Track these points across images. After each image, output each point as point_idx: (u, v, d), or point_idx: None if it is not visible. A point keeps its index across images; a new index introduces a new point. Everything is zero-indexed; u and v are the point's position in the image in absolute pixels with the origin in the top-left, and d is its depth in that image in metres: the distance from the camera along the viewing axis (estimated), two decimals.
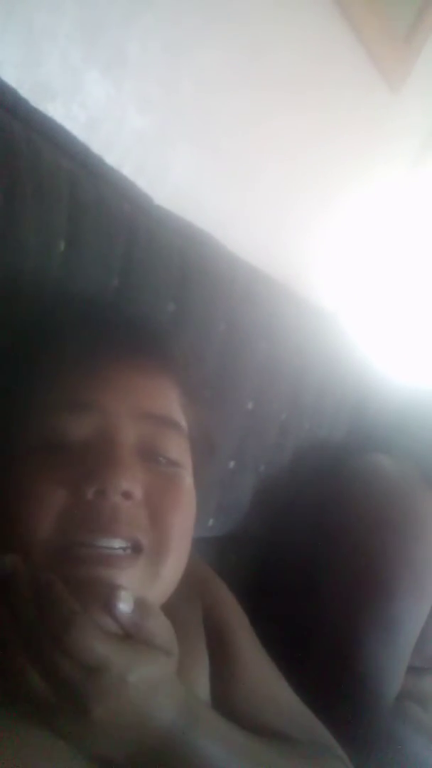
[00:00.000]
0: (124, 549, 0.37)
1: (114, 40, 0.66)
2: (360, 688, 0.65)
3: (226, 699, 0.47)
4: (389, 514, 0.75)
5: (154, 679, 0.34)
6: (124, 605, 0.34)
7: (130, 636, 0.34)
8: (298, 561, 0.77)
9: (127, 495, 0.38)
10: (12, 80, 0.51)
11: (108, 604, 0.33)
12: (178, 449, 0.43)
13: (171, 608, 0.39)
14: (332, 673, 0.66)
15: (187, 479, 0.43)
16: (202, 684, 0.47)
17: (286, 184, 0.94)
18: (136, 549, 0.38)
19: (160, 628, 0.35)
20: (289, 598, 0.74)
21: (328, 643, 0.69)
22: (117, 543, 0.37)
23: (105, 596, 0.34)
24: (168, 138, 0.76)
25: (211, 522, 0.68)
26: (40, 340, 0.42)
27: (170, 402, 0.44)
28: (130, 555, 0.38)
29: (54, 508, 0.37)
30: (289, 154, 0.91)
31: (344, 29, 0.88)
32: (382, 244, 1.13)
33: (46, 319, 0.44)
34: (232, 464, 0.69)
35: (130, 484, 0.38)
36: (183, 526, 0.41)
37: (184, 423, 0.44)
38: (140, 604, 0.35)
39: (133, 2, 0.66)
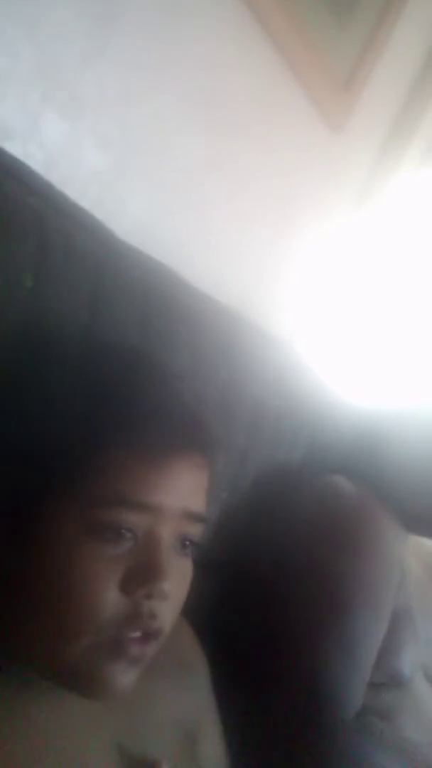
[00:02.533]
0: (149, 638, 0.42)
1: (71, 83, 0.68)
2: (321, 706, 0.66)
3: None
4: (345, 535, 0.77)
5: None
6: None
7: None
8: (260, 586, 0.77)
9: (165, 599, 0.42)
10: None
11: None
12: (199, 535, 0.47)
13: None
14: (294, 694, 0.67)
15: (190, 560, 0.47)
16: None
17: (239, 219, 0.98)
18: (156, 637, 0.43)
19: None
20: (253, 622, 0.75)
21: (289, 665, 0.70)
22: (151, 636, 0.42)
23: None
24: (125, 176, 0.78)
25: None
26: (100, 422, 0.42)
27: (204, 494, 0.47)
28: (153, 644, 0.43)
29: (109, 607, 0.40)
30: (240, 191, 0.95)
31: (288, 76, 0.94)
32: (331, 275, 1.18)
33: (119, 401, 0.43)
34: None
35: (170, 589, 0.42)
36: (179, 613, 0.46)
37: (206, 508, 0.47)
38: None
39: (90, 47, 0.68)
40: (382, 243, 1.19)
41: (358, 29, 0.99)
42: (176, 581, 0.43)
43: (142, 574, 0.41)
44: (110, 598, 0.40)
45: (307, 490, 0.84)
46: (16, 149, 0.65)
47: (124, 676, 0.41)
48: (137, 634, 0.41)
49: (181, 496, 0.43)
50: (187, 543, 0.45)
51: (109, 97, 0.72)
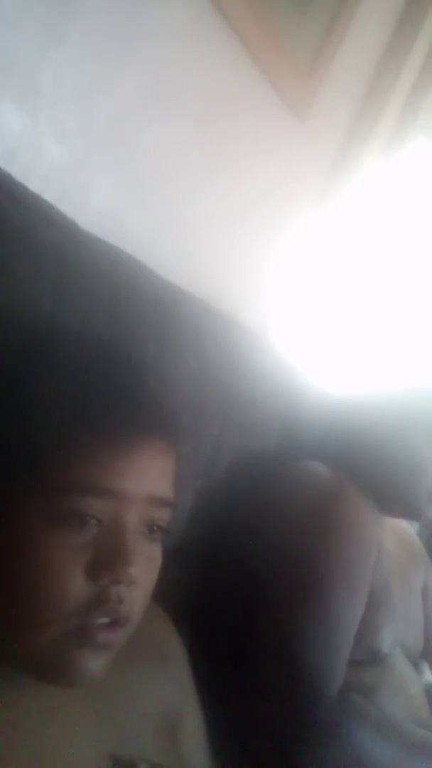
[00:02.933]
0: (116, 624, 0.42)
1: (27, 72, 0.67)
2: (303, 685, 0.67)
3: None
4: (320, 516, 0.78)
5: None
6: None
7: None
8: (237, 571, 0.78)
9: (133, 582, 0.42)
10: None
11: None
12: (167, 519, 0.46)
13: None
14: (275, 675, 0.68)
15: (160, 545, 0.47)
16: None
17: (206, 209, 0.98)
18: (124, 623, 0.43)
19: None
20: (231, 608, 0.76)
21: (269, 646, 0.71)
22: (120, 621, 0.42)
23: None
24: (88, 168, 0.78)
25: None
26: (63, 410, 0.42)
27: (170, 479, 0.47)
28: (122, 630, 0.43)
29: (75, 593, 0.40)
30: (207, 181, 0.95)
31: (250, 65, 0.94)
32: (301, 263, 1.19)
33: (75, 388, 0.43)
34: None
35: (136, 572, 0.42)
36: (149, 600, 0.46)
37: (173, 493, 0.47)
38: None
39: (46, 37, 0.67)
40: (350, 230, 1.20)
41: (317, 17, 0.99)
42: (144, 567, 0.43)
43: (108, 560, 0.41)
44: (76, 585, 0.40)
45: (282, 475, 0.85)
46: None
47: (93, 663, 0.41)
48: (105, 620, 0.41)
49: (145, 481, 0.44)
50: (155, 528, 0.45)
51: (68, 88, 0.71)
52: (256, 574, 0.77)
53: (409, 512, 0.92)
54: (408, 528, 1.11)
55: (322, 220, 1.18)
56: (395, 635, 0.83)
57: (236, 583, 0.78)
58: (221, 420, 0.78)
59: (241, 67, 0.92)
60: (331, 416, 0.94)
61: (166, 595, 0.64)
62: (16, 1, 0.63)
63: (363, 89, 1.19)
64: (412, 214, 1.32)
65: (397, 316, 1.27)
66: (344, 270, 1.23)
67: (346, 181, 1.19)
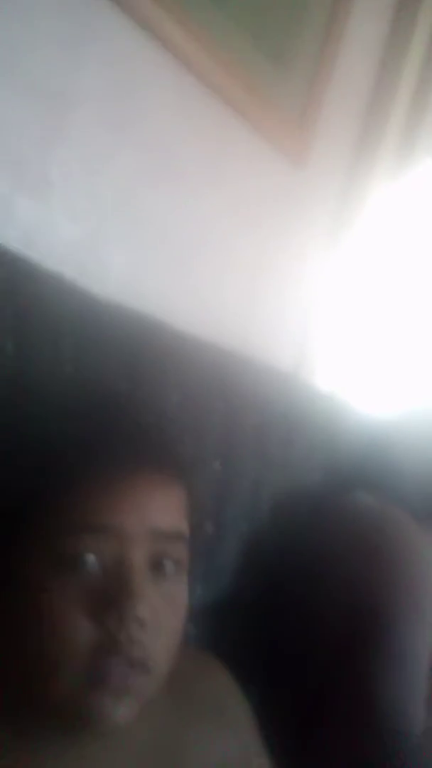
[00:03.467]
0: (134, 669, 0.40)
1: (36, 169, 0.75)
2: (384, 727, 0.64)
3: None
4: (375, 550, 0.76)
5: None
6: None
7: None
8: (297, 616, 0.76)
9: (141, 623, 0.40)
10: None
11: None
12: (181, 555, 0.45)
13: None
14: (354, 719, 0.65)
15: (184, 583, 0.46)
16: None
17: (219, 263, 1.02)
18: (144, 670, 0.41)
19: None
20: (296, 655, 0.74)
21: (343, 689, 0.68)
22: (133, 664, 0.40)
23: None
24: (101, 242, 0.84)
25: (199, 590, 0.68)
26: (54, 453, 0.42)
27: (179, 512, 0.46)
28: (139, 676, 0.41)
29: (80, 638, 0.39)
30: (215, 237, 1.00)
31: (241, 125, 0.99)
32: (322, 299, 1.21)
33: (57, 429, 0.44)
34: (210, 527, 0.71)
35: (144, 612, 0.40)
36: (176, 643, 0.44)
37: (186, 527, 0.46)
38: None
39: (47, 135, 0.75)
40: (366, 261, 1.22)
41: (299, 69, 1.05)
42: (160, 605, 0.42)
43: (111, 598, 0.40)
44: (81, 629, 0.39)
45: (329, 512, 0.84)
46: None
47: (113, 710, 0.40)
48: (119, 663, 0.40)
49: (146, 516, 0.42)
50: (168, 564, 0.43)
51: (74, 175, 0.78)
52: (318, 617, 0.75)
53: None
54: None
55: (337, 256, 1.20)
56: None
57: (297, 628, 0.76)
58: (256, 461, 0.78)
59: (233, 128, 0.98)
60: (372, 443, 0.93)
61: (226, 648, 0.64)
62: (18, 108, 0.71)
63: (358, 127, 1.24)
64: (427, 236, 1.32)
65: (425, 336, 1.26)
66: (367, 299, 1.24)
67: (356, 215, 1.22)
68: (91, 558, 0.40)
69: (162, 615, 0.42)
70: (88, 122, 0.79)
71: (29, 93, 0.72)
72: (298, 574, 0.80)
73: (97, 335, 0.63)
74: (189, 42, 0.87)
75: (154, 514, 0.43)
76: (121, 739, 0.44)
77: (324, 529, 0.82)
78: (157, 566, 0.43)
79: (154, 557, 0.43)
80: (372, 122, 1.23)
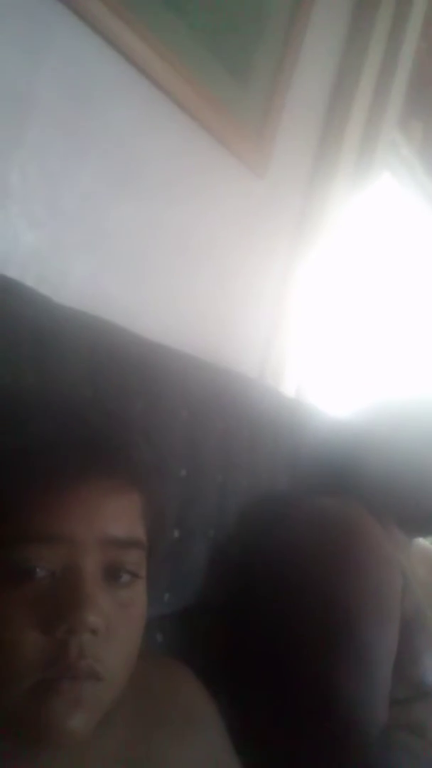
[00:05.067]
0: (84, 677, 0.39)
1: None
2: (343, 725, 0.64)
3: None
4: (339, 552, 0.77)
5: None
6: None
7: None
8: (262, 620, 0.76)
9: (93, 631, 0.39)
10: None
11: None
12: (138, 562, 0.44)
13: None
14: (313, 717, 0.65)
15: (142, 590, 0.45)
16: None
17: (183, 272, 1.03)
18: (97, 680, 0.40)
19: None
20: (261, 658, 0.74)
21: (304, 689, 0.68)
22: (80, 675, 0.39)
23: None
24: (62, 250, 0.83)
25: (166, 597, 0.68)
26: (3, 460, 0.41)
27: (134, 519, 0.45)
28: (90, 686, 0.40)
29: (29, 650, 0.38)
30: (178, 245, 1.00)
31: (203, 136, 1.01)
32: (287, 305, 1.22)
33: (9, 437, 0.42)
34: (176, 533, 0.70)
35: (96, 621, 0.39)
36: (134, 651, 0.43)
37: (143, 534, 0.46)
38: None
39: (7, 141, 0.75)
40: (324, 272, 1.24)
41: (258, 82, 1.08)
42: (114, 613, 0.41)
43: (61, 609, 0.39)
44: (29, 641, 0.38)
45: (295, 516, 0.84)
46: None
47: (66, 721, 0.39)
48: (70, 673, 0.39)
49: (97, 523, 0.41)
50: (123, 571, 0.43)
51: (34, 182, 0.78)
52: (282, 621, 0.75)
53: None
54: None
55: (300, 263, 1.22)
56: None
57: (262, 632, 0.76)
58: (222, 466, 0.79)
59: (194, 139, 1.00)
60: (335, 447, 0.94)
61: (195, 654, 0.64)
62: None
63: (317, 137, 1.26)
64: (387, 245, 1.36)
65: (384, 338, 1.29)
66: (329, 304, 1.26)
67: (317, 223, 1.24)
68: (41, 568, 0.40)
69: (117, 623, 0.41)
70: (48, 129, 0.79)
71: None
72: (264, 578, 0.80)
73: (59, 343, 0.62)
74: (149, 53, 0.88)
75: (106, 521, 0.42)
76: (86, 752, 0.43)
77: (290, 533, 0.82)
78: (111, 574, 0.42)
79: (107, 565, 0.42)
80: (330, 133, 1.26)
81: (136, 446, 0.48)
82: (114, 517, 0.43)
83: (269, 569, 0.80)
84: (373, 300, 1.32)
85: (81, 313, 0.70)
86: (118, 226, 0.90)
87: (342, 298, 1.29)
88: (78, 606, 0.39)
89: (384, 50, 1.31)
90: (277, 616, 0.76)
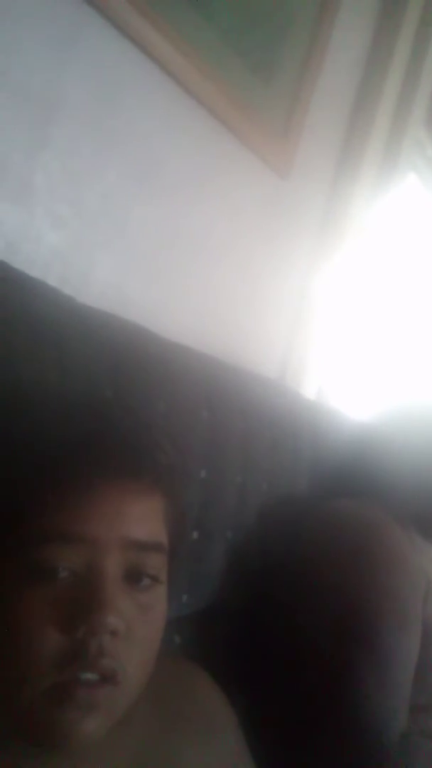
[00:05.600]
0: (102, 681, 0.39)
1: (20, 175, 0.74)
2: (361, 730, 0.63)
3: None
4: (360, 557, 0.76)
5: None
6: None
7: None
8: (282, 624, 0.76)
9: (113, 633, 0.39)
10: None
11: None
12: (159, 566, 0.44)
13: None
14: (331, 721, 0.65)
15: (162, 595, 0.45)
16: None
17: (206, 271, 1.03)
18: (114, 681, 0.40)
19: None
20: (279, 664, 0.73)
21: (321, 692, 0.67)
22: (98, 676, 0.39)
23: None
24: (85, 250, 0.84)
25: (185, 598, 0.68)
26: (28, 460, 0.41)
27: (156, 522, 0.45)
28: (106, 690, 0.40)
29: (48, 649, 0.38)
30: (201, 245, 1.00)
31: (227, 137, 1.00)
32: (307, 308, 1.22)
33: (33, 437, 0.43)
34: (195, 534, 0.70)
35: (116, 623, 0.39)
36: (153, 655, 0.43)
37: (165, 538, 0.46)
38: None
39: (32, 142, 0.75)
40: (347, 273, 1.23)
41: (283, 82, 1.07)
42: (134, 616, 0.41)
43: (81, 609, 0.39)
44: (49, 640, 0.38)
45: (315, 519, 0.84)
46: None
47: (81, 724, 0.39)
48: (90, 676, 0.39)
49: (120, 525, 0.41)
50: (144, 574, 0.42)
51: (58, 182, 0.78)
52: (301, 625, 0.75)
53: None
54: None
55: (323, 264, 1.21)
56: None
57: (281, 635, 0.76)
58: (242, 467, 0.78)
59: (217, 139, 0.99)
60: (356, 450, 0.93)
61: (212, 655, 0.64)
62: (2, 113, 0.71)
63: (342, 138, 1.25)
64: (412, 248, 1.34)
65: (407, 340, 1.27)
66: (352, 306, 1.25)
67: (341, 224, 1.23)
68: (62, 568, 0.40)
69: (136, 626, 0.41)
70: (73, 129, 0.79)
71: (12, 98, 0.72)
72: (283, 581, 0.79)
73: (81, 343, 0.62)
74: (175, 54, 0.88)
75: (129, 523, 0.42)
76: (101, 754, 0.43)
77: (309, 536, 0.82)
78: (132, 576, 0.42)
79: (129, 567, 0.42)
80: (355, 134, 1.25)
81: (160, 448, 0.47)
82: (137, 520, 0.43)
83: (288, 571, 0.80)
84: (395, 302, 1.30)
85: (103, 313, 0.70)
86: (140, 226, 0.90)
87: (364, 301, 1.27)
88: (98, 607, 0.39)
89: (411, 49, 1.29)
90: (296, 618, 0.75)
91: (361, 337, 1.27)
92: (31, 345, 0.57)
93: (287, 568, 0.79)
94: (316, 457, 0.93)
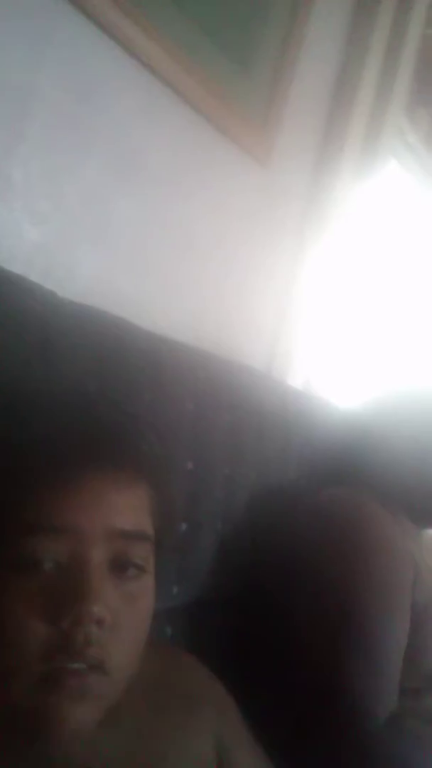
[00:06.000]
0: (90, 670, 0.40)
1: None
2: (349, 714, 0.64)
3: None
4: (348, 542, 0.77)
5: None
6: None
7: None
8: (271, 611, 0.76)
9: (99, 623, 0.40)
10: None
11: None
12: (145, 556, 0.44)
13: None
14: (319, 706, 0.66)
15: (149, 584, 0.45)
16: None
17: (190, 263, 1.02)
18: (102, 670, 0.40)
19: None
20: (267, 648, 0.74)
21: (310, 678, 0.68)
22: (86, 666, 0.39)
23: None
24: (67, 244, 0.83)
25: (175, 590, 0.68)
26: (12, 452, 0.41)
27: (141, 512, 0.45)
28: (95, 679, 0.40)
29: (33, 640, 0.39)
30: (184, 235, 1.00)
31: (206, 127, 1.00)
32: (292, 297, 1.22)
33: (17, 430, 0.43)
34: (184, 526, 0.70)
35: (101, 612, 0.39)
36: (140, 644, 0.43)
37: (151, 527, 0.46)
38: None
39: (9, 137, 0.74)
40: (330, 261, 1.23)
41: (261, 71, 1.06)
42: (120, 606, 0.41)
43: (67, 600, 0.39)
44: (35, 630, 0.38)
45: (303, 508, 0.84)
46: None
47: (70, 713, 0.39)
48: (77, 665, 0.39)
49: (104, 515, 0.41)
50: (130, 564, 0.43)
51: (36, 177, 0.78)
52: (290, 612, 0.76)
53: None
54: None
55: (306, 252, 1.21)
56: None
57: (270, 623, 0.77)
58: (229, 458, 0.78)
59: (197, 130, 0.99)
60: (344, 439, 0.93)
61: (204, 646, 0.64)
62: None
63: (321, 125, 1.25)
64: (394, 233, 1.34)
65: (392, 327, 1.28)
66: (336, 295, 1.25)
67: (323, 212, 1.23)
68: (47, 559, 0.40)
69: (123, 615, 0.41)
70: (50, 124, 0.78)
71: None
72: (273, 570, 0.80)
73: (64, 337, 0.62)
74: (151, 45, 0.87)
75: (112, 513, 0.42)
76: (93, 745, 0.44)
77: (298, 525, 0.82)
78: (118, 566, 0.42)
79: (114, 557, 0.42)
80: (336, 121, 1.25)
81: (144, 439, 0.47)
82: (121, 510, 0.43)
83: (277, 561, 0.80)
84: (379, 289, 1.31)
85: (86, 308, 0.70)
86: (122, 220, 0.90)
87: (349, 288, 1.28)
88: (83, 597, 0.39)
89: (389, 36, 1.29)
90: (285, 607, 0.76)
91: (346, 325, 1.27)
92: (14, 340, 0.57)
93: (277, 557, 0.80)
94: (304, 446, 0.93)
